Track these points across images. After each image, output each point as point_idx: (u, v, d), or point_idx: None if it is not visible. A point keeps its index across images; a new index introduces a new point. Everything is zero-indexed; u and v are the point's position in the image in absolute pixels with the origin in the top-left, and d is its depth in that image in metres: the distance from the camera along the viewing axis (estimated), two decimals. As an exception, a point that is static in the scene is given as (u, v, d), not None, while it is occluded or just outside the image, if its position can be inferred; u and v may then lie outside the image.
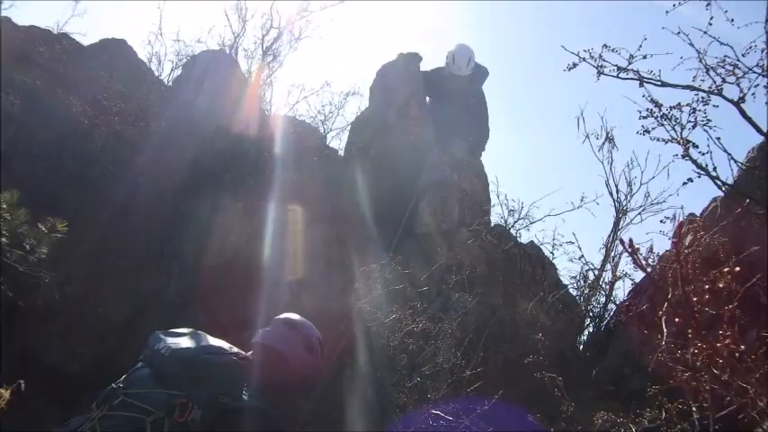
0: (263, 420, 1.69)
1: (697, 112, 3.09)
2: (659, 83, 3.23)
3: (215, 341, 1.80)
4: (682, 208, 3.85)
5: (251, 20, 8.58)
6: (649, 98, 3.22)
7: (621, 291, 7.28)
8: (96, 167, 5.00)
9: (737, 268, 1.87)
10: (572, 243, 4.91)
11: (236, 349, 1.80)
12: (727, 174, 3.47)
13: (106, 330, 4.42)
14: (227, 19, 9.13)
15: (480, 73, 6.69)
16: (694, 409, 2.23)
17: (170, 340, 1.75)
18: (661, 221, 3.13)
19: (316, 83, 13.59)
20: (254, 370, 1.81)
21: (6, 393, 2.43)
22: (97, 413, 1.63)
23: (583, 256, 4.80)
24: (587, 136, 5.51)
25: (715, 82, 3.07)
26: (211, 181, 5.40)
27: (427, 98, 6.76)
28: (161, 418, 1.58)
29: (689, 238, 2.80)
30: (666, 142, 3.25)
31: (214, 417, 1.61)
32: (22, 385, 2.37)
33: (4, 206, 2.90)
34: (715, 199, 3.70)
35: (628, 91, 4.32)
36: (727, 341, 1.80)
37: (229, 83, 6.73)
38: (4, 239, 2.98)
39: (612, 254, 4.94)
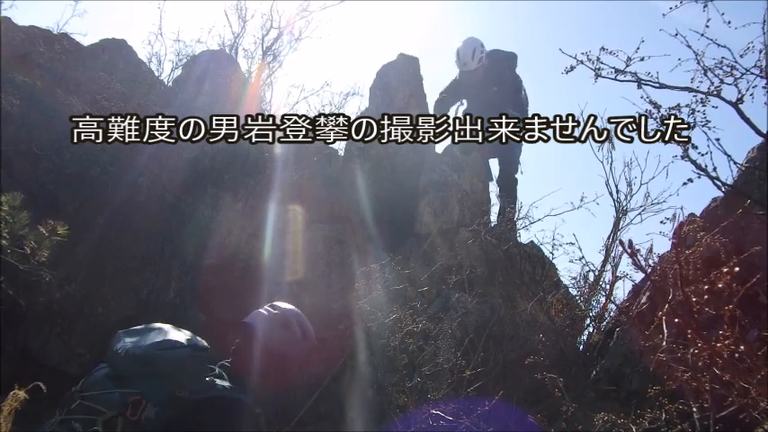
0: (232, 409, 1.69)
1: (696, 112, 3.10)
2: (657, 85, 3.24)
3: (176, 335, 1.78)
4: (681, 209, 3.85)
5: (251, 20, 8.63)
6: (648, 99, 3.24)
7: (622, 291, 7.31)
8: (96, 167, 5.00)
9: (737, 268, 1.88)
10: (572, 244, 4.91)
11: (200, 341, 1.79)
12: (727, 174, 3.49)
13: (106, 330, 4.42)
14: (227, 19, 9.19)
15: (503, 59, 6.22)
16: (695, 409, 2.23)
17: (128, 339, 1.74)
18: (661, 222, 3.15)
19: (316, 83, 13.67)
20: (239, 355, 1.86)
21: (22, 393, 2.42)
22: (56, 418, 1.63)
23: (583, 257, 4.80)
24: (587, 136, 5.51)
25: (713, 83, 3.08)
26: (211, 181, 5.40)
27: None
28: (114, 418, 1.57)
29: (689, 238, 2.80)
30: (666, 143, 3.26)
31: (176, 412, 1.61)
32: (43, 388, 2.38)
33: (6, 208, 2.90)
34: (715, 199, 3.70)
35: (627, 92, 4.33)
36: (727, 341, 1.81)
37: (229, 83, 6.73)
38: (4, 242, 2.98)
39: (612, 254, 4.95)
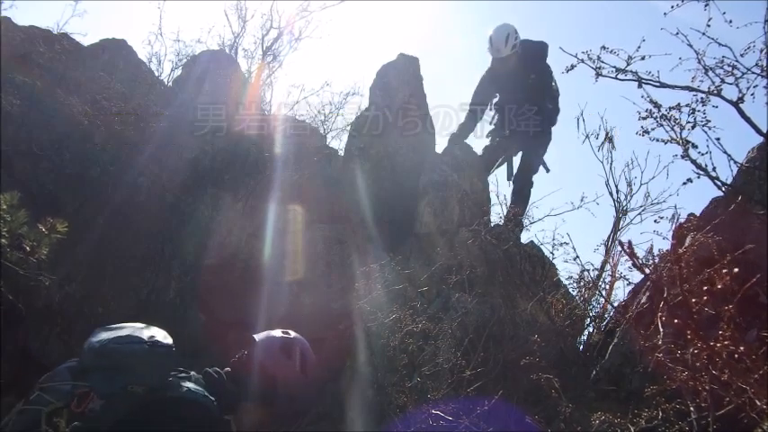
0: (191, 410, 1.68)
1: (696, 112, 3.10)
2: (658, 84, 3.24)
3: (141, 332, 1.77)
4: (676, 208, 3.86)
5: (251, 20, 8.65)
6: (648, 99, 3.23)
7: (621, 291, 7.30)
8: (96, 167, 5.00)
9: (736, 269, 1.87)
10: (567, 243, 4.90)
11: (163, 340, 1.78)
12: (727, 174, 3.49)
13: (106, 330, 4.42)
14: (227, 19, 9.21)
15: (537, 48, 6.11)
16: (692, 409, 2.23)
17: (98, 334, 1.76)
18: (655, 221, 3.15)
19: (316, 83, 13.70)
20: (236, 366, 1.93)
21: None
22: (17, 408, 1.65)
23: (578, 256, 4.79)
24: (587, 136, 5.53)
25: (714, 83, 3.08)
26: (211, 181, 5.40)
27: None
28: (59, 409, 1.60)
29: (688, 238, 2.80)
30: (666, 143, 3.26)
31: (128, 407, 1.60)
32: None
33: (4, 207, 2.90)
34: (715, 199, 3.70)
35: (627, 91, 4.33)
36: (726, 341, 1.80)
37: (229, 83, 6.73)
38: (3, 240, 2.97)
39: (612, 254, 4.94)
